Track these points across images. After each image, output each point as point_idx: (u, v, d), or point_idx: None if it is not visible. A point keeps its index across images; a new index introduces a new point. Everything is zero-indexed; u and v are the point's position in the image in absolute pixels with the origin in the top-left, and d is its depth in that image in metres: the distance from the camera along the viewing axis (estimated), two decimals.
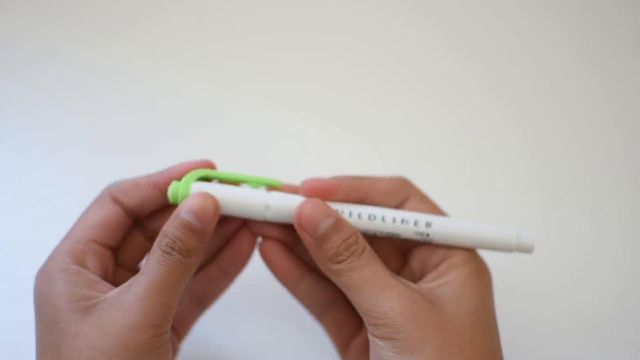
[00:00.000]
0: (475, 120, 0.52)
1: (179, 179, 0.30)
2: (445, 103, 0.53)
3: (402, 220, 0.30)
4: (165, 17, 0.55)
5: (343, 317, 0.34)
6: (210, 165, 0.31)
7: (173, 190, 0.29)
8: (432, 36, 0.57)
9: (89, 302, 0.27)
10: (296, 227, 0.29)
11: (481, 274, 0.30)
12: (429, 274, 0.31)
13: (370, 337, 0.28)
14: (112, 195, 0.31)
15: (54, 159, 0.46)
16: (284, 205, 0.30)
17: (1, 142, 0.46)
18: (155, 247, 0.28)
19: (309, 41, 0.56)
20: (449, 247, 0.31)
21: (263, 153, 0.47)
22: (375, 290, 0.27)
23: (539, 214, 0.47)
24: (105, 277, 0.29)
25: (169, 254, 0.27)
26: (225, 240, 0.33)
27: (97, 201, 0.31)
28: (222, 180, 0.31)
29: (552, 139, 0.51)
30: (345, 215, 0.30)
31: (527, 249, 0.30)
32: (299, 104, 0.51)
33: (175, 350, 0.33)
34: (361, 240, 0.29)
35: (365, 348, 0.33)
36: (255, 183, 0.30)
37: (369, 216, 0.30)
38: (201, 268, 0.34)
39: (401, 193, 0.31)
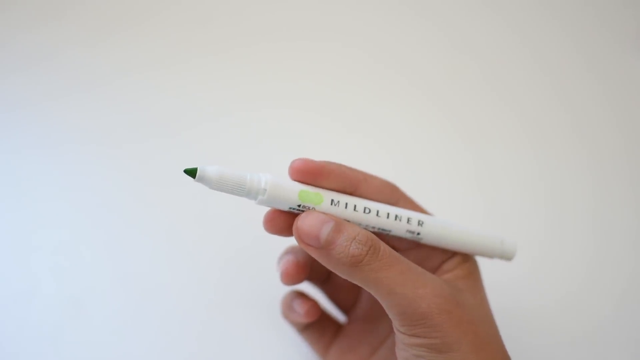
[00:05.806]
0: (476, 121, 0.52)
1: None
2: (446, 104, 0.53)
3: (396, 217, 0.29)
4: (164, 17, 0.55)
5: (322, 326, 0.35)
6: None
7: None
8: (434, 37, 0.57)
9: None
10: (300, 244, 0.27)
11: (478, 270, 0.31)
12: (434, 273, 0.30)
13: (401, 336, 0.27)
14: None
15: (53, 159, 0.46)
16: (277, 188, 0.27)
17: (0, 142, 0.46)
18: None
19: (311, 40, 0.55)
20: (439, 248, 0.30)
21: (263, 151, 0.47)
22: (408, 290, 0.26)
23: (542, 214, 0.46)
24: None
25: None
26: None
27: None
28: None
29: (553, 139, 0.51)
30: (341, 207, 0.28)
31: (508, 257, 0.31)
32: (301, 103, 0.51)
33: None
34: (373, 237, 0.27)
35: (345, 349, 0.34)
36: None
37: (364, 209, 0.29)
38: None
39: (392, 194, 0.30)
